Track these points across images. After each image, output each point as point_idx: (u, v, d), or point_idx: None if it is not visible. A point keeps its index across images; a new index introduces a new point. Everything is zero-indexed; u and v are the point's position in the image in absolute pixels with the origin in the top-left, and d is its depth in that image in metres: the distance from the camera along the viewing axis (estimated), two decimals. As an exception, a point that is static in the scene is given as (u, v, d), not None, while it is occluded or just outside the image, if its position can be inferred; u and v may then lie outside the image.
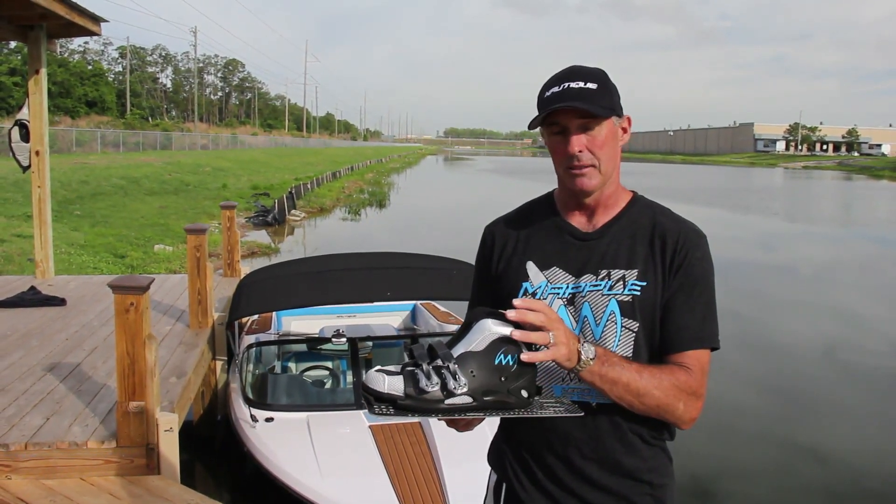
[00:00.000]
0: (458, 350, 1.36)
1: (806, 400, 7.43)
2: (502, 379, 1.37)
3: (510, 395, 1.38)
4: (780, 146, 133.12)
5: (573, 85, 1.50)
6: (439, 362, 1.36)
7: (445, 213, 26.68)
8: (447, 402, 1.35)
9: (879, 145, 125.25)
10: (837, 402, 7.41)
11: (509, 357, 1.37)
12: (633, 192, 1.66)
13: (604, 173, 1.54)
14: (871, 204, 37.68)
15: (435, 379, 1.34)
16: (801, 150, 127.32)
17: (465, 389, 1.34)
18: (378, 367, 1.40)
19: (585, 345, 1.38)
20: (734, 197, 36.75)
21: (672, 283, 1.52)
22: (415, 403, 1.35)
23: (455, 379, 1.34)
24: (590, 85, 1.51)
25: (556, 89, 1.51)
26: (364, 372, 5.50)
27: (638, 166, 78.57)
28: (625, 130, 1.59)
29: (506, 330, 1.35)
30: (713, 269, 1.56)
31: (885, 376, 8.27)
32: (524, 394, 1.40)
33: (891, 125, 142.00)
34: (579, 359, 1.37)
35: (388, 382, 1.36)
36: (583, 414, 1.46)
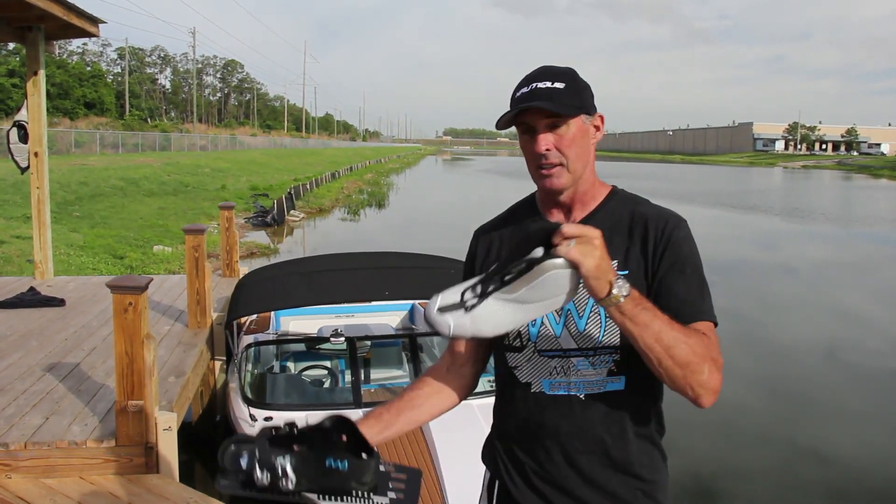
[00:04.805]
0: (519, 290, 1.30)
1: (807, 399, 7.44)
2: (337, 477, 1.42)
3: (346, 488, 1.43)
4: (780, 146, 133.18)
5: (540, 85, 1.51)
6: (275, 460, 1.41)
7: (444, 213, 26.68)
8: (282, 495, 1.41)
9: (878, 144, 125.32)
10: (839, 402, 7.41)
11: (338, 462, 1.41)
12: (612, 186, 1.66)
13: (572, 171, 1.54)
14: (872, 203, 37.67)
15: (267, 475, 1.40)
16: (800, 150, 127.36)
17: (291, 487, 1.40)
18: (233, 447, 1.45)
19: (621, 280, 1.33)
20: (737, 198, 36.75)
21: (660, 265, 1.51)
22: (252, 492, 1.42)
23: (285, 477, 1.40)
24: (557, 84, 1.51)
25: (525, 90, 1.52)
26: (362, 372, 5.53)
27: (634, 167, 78.49)
28: (598, 128, 1.59)
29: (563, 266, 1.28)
30: (698, 252, 1.55)
31: (886, 375, 8.28)
32: (358, 485, 1.43)
33: (890, 124, 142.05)
34: (610, 291, 1.31)
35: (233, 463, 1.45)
36: (418, 498, 1.49)
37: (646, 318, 1.35)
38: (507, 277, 1.29)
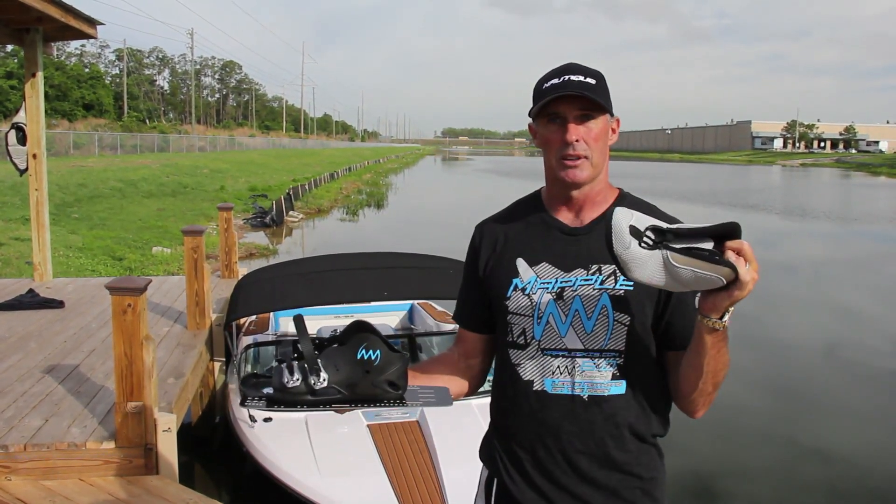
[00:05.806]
0: (683, 265, 1.29)
1: (807, 398, 7.43)
2: (367, 372, 1.41)
3: (375, 387, 1.42)
4: (778, 144, 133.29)
5: (574, 78, 1.53)
6: (295, 360, 1.42)
7: (443, 213, 26.68)
8: (315, 396, 1.40)
9: (877, 142, 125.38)
10: (839, 401, 7.41)
11: (370, 352, 1.41)
12: (619, 189, 1.67)
13: (595, 166, 1.56)
14: (871, 201, 37.66)
15: (297, 375, 1.40)
16: (798, 148, 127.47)
17: (324, 384, 1.39)
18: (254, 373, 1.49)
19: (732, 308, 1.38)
20: (736, 196, 36.74)
21: None
22: (281, 396, 1.41)
23: (316, 375, 1.39)
24: (589, 80, 1.54)
25: (556, 81, 1.54)
26: None
27: (632, 166, 78.37)
28: (614, 131, 1.62)
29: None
30: None
31: (887, 374, 8.27)
32: (388, 387, 1.43)
33: (888, 122, 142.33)
34: (723, 314, 1.37)
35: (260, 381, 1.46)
36: (451, 405, 1.50)
37: (724, 345, 1.42)
38: (680, 246, 1.29)
